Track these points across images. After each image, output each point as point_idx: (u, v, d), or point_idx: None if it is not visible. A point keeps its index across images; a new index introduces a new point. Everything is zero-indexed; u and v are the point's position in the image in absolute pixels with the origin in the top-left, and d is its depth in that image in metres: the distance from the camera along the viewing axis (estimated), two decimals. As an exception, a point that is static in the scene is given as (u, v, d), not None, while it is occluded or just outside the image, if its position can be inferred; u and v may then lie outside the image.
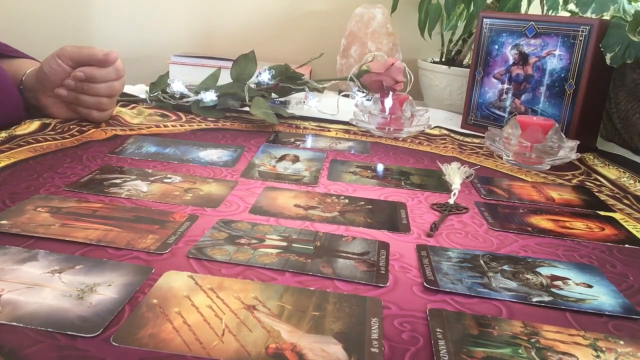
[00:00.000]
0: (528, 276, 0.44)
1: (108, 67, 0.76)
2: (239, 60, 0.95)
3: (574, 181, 0.73)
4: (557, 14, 0.98)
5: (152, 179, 0.60)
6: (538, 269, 0.46)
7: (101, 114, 0.79)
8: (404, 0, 1.28)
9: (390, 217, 0.55)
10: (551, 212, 0.60)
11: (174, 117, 0.89)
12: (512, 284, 0.43)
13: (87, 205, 0.51)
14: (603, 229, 0.56)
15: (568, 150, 0.76)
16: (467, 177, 0.68)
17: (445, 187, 0.65)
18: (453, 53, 1.23)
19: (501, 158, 0.81)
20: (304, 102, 1.03)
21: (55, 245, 0.43)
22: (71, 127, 0.76)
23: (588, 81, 0.84)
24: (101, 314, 0.34)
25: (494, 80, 0.95)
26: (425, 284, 0.41)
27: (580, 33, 0.84)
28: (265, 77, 0.93)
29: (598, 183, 0.73)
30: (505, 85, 0.93)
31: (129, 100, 0.95)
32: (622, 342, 0.36)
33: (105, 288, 0.37)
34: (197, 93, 0.92)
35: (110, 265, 0.40)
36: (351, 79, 0.97)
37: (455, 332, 0.36)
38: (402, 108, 0.89)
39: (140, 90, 1.08)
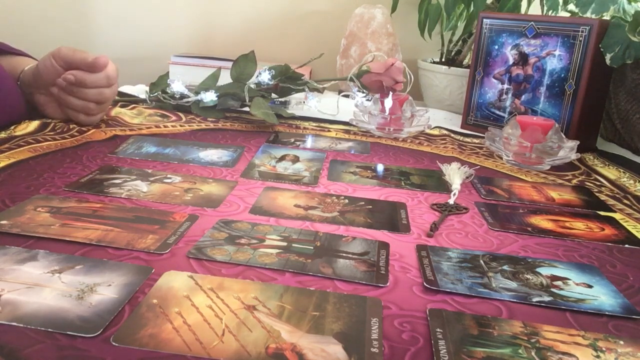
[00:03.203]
0: (528, 276, 0.44)
1: (97, 72, 0.75)
2: (239, 60, 0.95)
3: (574, 181, 0.73)
4: (557, 14, 0.98)
5: (152, 179, 0.60)
6: (538, 269, 0.46)
7: (88, 118, 0.78)
8: (404, 0, 1.28)
9: (390, 217, 0.55)
10: (551, 212, 0.60)
11: (174, 118, 0.89)
12: (512, 284, 0.43)
13: (87, 205, 0.51)
14: (603, 229, 0.56)
15: (568, 150, 0.76)
16: (467, 177, 0.68)
17: (445, 187, 0.65)
18: (453, 53, 1.23)
19: (501, 158, 0.81)
20: (304, 102, 1.03)
21: (55, 245, 0.43)
22: (71, 127, 0.76)
23: (588, 81, 0.84)
24: (101, 314, 0.34)
25: (493, 80, 0.95)
26: (425, 284, 0.41)
27: (580, 33, 0.84)
28: (265, 77, 0.93)
29: (598, 183, 0.73)
30: (505, 86, 0.93)
31: (129, 101, 0.95)
32: (622, 342, 0.36)
33: (105, 288, 0.37)
34: (197, 93, 0.93)
35: (110, 265, 0.40)
36: (351, 79, 0.97)
37: (455, 332, 0.36)
38: (402, 108, 0.89)
39: (140, 90, 1.08)
